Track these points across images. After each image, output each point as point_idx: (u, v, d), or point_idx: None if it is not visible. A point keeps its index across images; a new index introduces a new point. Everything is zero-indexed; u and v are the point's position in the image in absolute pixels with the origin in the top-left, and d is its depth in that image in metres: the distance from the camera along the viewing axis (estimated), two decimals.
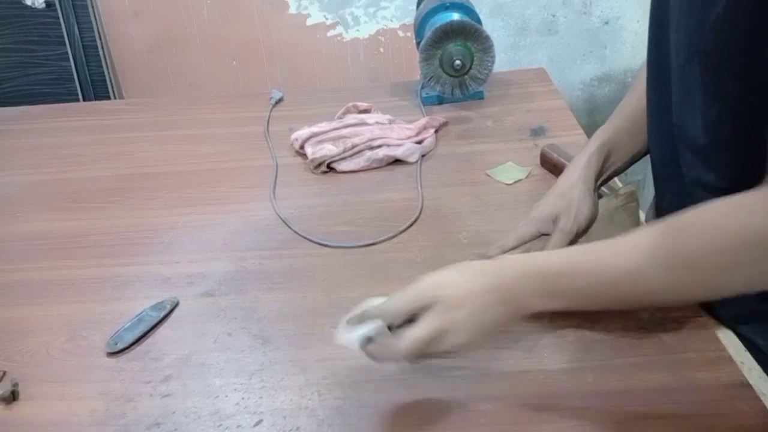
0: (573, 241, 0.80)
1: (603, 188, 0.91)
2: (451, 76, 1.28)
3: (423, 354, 0.62)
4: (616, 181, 0.97)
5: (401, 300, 0.63)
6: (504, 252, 0.80)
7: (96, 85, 2.09)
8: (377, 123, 1.21)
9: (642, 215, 0.89)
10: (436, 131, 1.23)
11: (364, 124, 1.21)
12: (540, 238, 0.82)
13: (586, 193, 0.81)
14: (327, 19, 2.06)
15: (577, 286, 0.62)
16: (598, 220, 0.82)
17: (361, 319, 0.64)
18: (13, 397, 0.73)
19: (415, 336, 0.61)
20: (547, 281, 0.63)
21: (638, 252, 0.60)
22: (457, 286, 0.63)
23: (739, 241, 0.54)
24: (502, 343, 0.75)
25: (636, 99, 0.88)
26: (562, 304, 0.64)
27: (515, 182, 1.07)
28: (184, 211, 1.08)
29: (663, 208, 0.83)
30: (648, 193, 2.26)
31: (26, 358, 0.80)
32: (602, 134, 0.88)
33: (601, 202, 0.84)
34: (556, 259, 0.65)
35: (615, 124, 0.89)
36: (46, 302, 0.90)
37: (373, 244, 0.95)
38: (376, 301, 0.65)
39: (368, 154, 1.14)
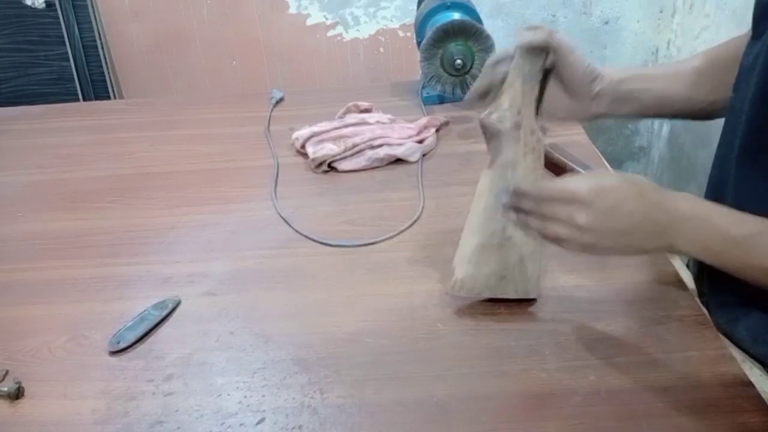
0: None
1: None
2: (452, 75, 1.28)
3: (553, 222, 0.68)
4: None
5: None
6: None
7: (96, 85, 2.09)
8: (378, 122, 1.22)
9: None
10: (437, 131, 1.23)
11: (365, 123, 1.21)
12: None
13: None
14: (327, 19, 2.06)
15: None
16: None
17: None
18: (18, 393, 0.73)
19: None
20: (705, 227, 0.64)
21: None
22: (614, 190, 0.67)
23: None
24: (503, 341, 0.75)
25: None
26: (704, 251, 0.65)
27: None
28: (184, 210, 1.08)
29: None
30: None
31: (28, 357, 0.80)
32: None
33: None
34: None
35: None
36: (47, 302, 0.90)
37: (373, 243, 0.95)
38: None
39: (369, 153, 1.14)
